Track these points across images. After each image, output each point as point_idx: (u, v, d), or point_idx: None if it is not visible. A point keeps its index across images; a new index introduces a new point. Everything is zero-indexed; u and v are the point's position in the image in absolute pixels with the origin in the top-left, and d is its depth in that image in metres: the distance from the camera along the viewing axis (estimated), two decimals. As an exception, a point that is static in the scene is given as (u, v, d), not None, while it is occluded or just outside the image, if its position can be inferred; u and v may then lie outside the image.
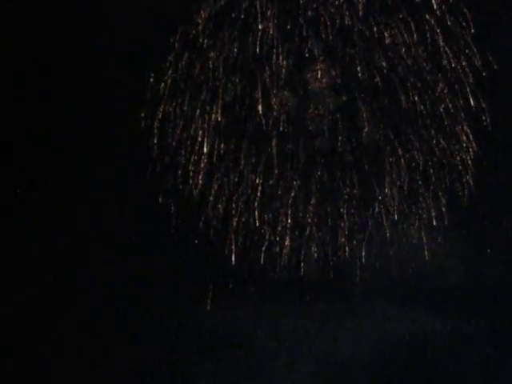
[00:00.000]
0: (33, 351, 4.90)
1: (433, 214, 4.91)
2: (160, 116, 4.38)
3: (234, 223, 4.39)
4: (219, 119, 4.33)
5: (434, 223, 4.92)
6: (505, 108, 4.69)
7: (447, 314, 5.51)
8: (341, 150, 4.55)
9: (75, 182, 4.78)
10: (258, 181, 4.40)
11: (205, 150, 4.32)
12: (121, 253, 4.76)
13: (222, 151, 4.34)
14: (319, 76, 4.49)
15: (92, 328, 4.86)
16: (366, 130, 4.60)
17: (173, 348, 5.07)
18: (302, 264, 4.80)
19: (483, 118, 4.47)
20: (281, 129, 4.46)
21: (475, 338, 5.45)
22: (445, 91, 4.41)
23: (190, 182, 4.35)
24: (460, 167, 4.65)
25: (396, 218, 4.84)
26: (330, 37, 4.42)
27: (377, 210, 4.79)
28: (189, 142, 4.38)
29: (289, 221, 4.58)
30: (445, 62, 4.41)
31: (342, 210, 4.64)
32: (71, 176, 4.88)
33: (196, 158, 4.34)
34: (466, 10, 4.33)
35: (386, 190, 4.70)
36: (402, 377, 5.42)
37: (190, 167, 4.38)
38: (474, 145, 4.59)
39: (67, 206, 4.87)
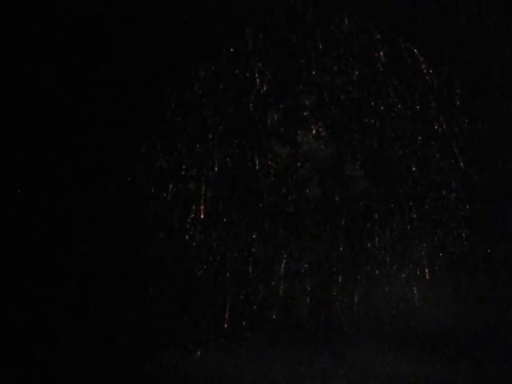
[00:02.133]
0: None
1: (424, 263, 5.03)
2: (155, 171, 4.50)
3: (228, 275, 4.51)
4: (214, 177, 4.45)
5: (426, 273, 5.03)
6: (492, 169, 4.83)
7: (435, 359, 5.63)
8: (330, 200, 4.68)
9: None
10: (250, 236, 4.52)
11: (201, 205, 4.44)
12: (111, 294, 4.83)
13: (218, 207, 4.46)
14: (310, 131, 4.63)
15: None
16: (357, 182, 4.73)
17: None
18: (294, 313, 4.91)
19: (472, 176, 4.60)
20: (272, 180, 4.60)
21: (463, 381, 5.57)
22: (435, 153, 4.54)
23: (186, 237, 4.47)
24: (452, 224, 4.76)
25: (387, 267, 4.96)
26: (325, 97, 4.56)
27: (368, 260, 4.92)
28: (184, 197, 4.50)
29: (282, 271, 4.70)
30: (436, 126, 4.55)
31: (333, 260, 4.76)
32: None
33: (192, 213, 4.46)
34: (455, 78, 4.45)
35: (377, 242, 4.82)
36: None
37: (187, 222, 4.50)
38: (464, 201, 4.70)
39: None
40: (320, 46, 4.51)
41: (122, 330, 4.89)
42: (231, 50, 4.44)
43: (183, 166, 4.44)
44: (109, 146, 4.83)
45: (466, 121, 4.49)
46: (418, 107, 4.45)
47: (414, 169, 4.53)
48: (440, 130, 4.41)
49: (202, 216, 4.59)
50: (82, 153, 4.89)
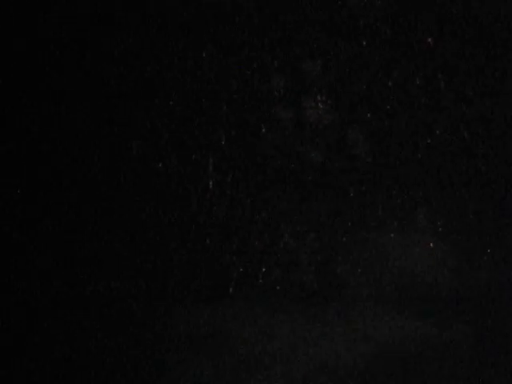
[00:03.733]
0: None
1: (426, 226, 5.12)
2: (157, 141, 4.55)
3: (233, 238, 4.59)
4: (218, 144, 4.50)
5: (428, 236, 5.12)
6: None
7: (437, 321, 5.75)
8: (334, 165, 4.74)
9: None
10: (255, 200, 4.60)
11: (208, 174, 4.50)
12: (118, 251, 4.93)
13: (224, 174, 4.53)
14: (315, 97, 4.66)
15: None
16: (361, 148, 4.78)
17: (162, 348, 5.25)
18: (296, 274, 5.02)
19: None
20: (276, 146, 4.66)
21: (464, 346, 5.70)
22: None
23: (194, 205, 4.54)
24: (455, 187, 4.82)
25: (389, 230, 5.05)
26: (331, 64, 4.57)
27: (371, 224, 5.00)
28: (190, 168, 4.55)
29: (285, 233, 4.79)
30: (442, 93, 4.57)
31: (336, 224, 4.84)
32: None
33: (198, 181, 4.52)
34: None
35: (380, 206, 4.89)
36: (391, 381, 5.66)
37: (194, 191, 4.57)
38: (467, 164, 4.75)
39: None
40: (325, 13, 4.50)
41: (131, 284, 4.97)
42: (234, 18, 4.43)
43: (186, 136, 4.48)
44: (107, 110, 4.86)
45: (474, 88, 4.50)
46: (425, 74, 4.46)
47: (418, 135, 4.57)
48: (446, 97, 4.42)
49: (210, 184, 4.65)
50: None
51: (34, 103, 5.06)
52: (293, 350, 5.64)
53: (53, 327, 5.02)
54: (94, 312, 5.00)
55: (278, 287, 5.32)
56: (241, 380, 5.66)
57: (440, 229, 5.50)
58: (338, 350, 5.79)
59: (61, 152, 4.94)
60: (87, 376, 4.99)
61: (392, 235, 5.46)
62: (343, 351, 5.80)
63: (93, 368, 5.00)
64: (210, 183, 4.65)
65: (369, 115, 4.97)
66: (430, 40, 4.75)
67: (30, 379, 4.99)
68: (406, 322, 5.94)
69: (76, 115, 4.89)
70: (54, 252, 5.00)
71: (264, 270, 5.24)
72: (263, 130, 4.80)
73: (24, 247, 4.98)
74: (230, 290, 5.23)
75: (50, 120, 4.98)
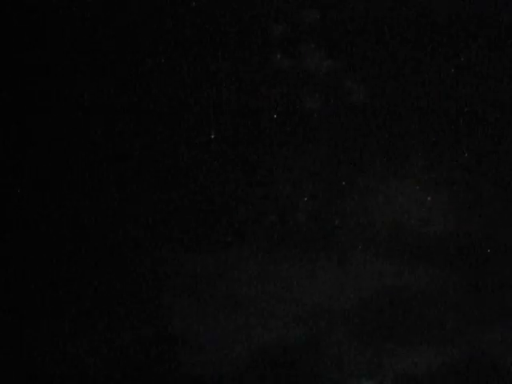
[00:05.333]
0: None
1: (423, 174, 5.17)
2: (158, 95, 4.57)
3: (232, 184, 4.66)
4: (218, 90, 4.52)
5: (425, 182, 5.19)
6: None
7: (431, 267, 5.84)
8: (331, 112, 4.79)
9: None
10: (253, 146, 4.66)
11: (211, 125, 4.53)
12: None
13: (225, 121, 4.57)
14: (313, 44, 4.67)
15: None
16: (358, 95, 4.82)
17: (157, 289, 5.33)
18: (293, 219, 5.12)
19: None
20: (274, 92, 4.69)
21: (457, 291, 5.77)
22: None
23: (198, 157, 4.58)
24: (453, 136, 4.86)
25: (385, 177, 5.11)
26: (328, 12, 4.56)
27: (368, 170, 5.05)
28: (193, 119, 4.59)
29: (282, 178, 4.86)
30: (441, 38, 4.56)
31: (333, 169, 4.90)
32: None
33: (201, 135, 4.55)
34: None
35: (376, 152, 4.94)
36: (385, 327, 5.78)
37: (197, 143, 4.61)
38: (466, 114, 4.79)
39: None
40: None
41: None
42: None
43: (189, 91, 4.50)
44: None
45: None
46: (419, 23, 4.46)
47: (414, 83, 4.60)
48: (441, 45, 4.43)
49: (212, 136, 4.69)
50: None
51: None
52: (288, 293, 5.75)
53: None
54: (103, 255, 5.07)
55: (275, 233, 5.42)
56: (238, 320, 5.79)
57: (434, 179, 5.54)
58: (331, 294, 5.90)
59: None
60: (98, 310, 5.10)
61: (387, 184, 5.52)
62: (336, 295, 5.91)
63: (104, 305, 5.11)
64: (212, 133, 4.70)
65: (365, 63, 4.98)
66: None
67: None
68: (397, 269, 6.03)
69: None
70: (73, 200, 5.04)
71: (261, 216, 5.32)
72: (262, 78, 4.82)
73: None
74: (229, 236, 5.31)
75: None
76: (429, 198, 5.45)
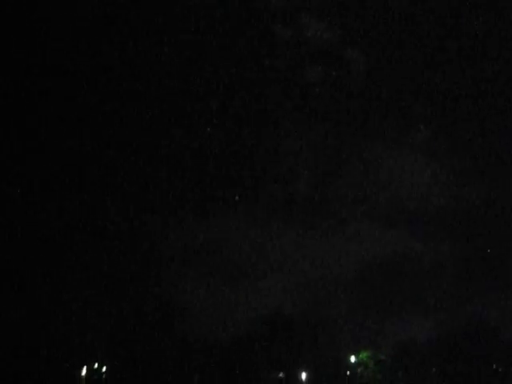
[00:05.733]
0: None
1: (424, 145, 5.26)
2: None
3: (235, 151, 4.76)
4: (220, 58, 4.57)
5: (424, 151, 5.29)
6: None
7: (431, 236, 6.04)
8: (333, 80, 4.83)
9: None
10: (256, 114, 4.72)
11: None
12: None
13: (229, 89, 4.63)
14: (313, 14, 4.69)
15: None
16: (359, 64, 4.84)
17: (163, 258, 5.59)
18: (294, 187, 5.23)
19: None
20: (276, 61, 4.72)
21: (456, 261, 5.98)
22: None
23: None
24: (455, 105, 4.93)
25: (387, 147, 5.19)
26: None
27: (368, 140, 5.14)
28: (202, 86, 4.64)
29: (284, 148, 4.95)
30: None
31: (334, 138, 4.99)
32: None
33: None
34: None
35: (376, 122, 5.02)
36: (385, 295, 5.95)
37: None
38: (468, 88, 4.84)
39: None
40: None
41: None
42: None
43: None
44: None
45: None
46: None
47: (417, 52, 4.62)
48: (446, 12, 4.44)
49: (214, 106, 4.77)
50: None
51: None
52: (288, 259, 5.95)
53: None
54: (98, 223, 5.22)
55: (276, 201, 5.55)
56: (238, 286, 6.01)
57: (436, 148, 5.66)
58: (332, 261, 6.12)
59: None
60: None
61: (388, 152, 5.59)
62: (336, 262, 6.12)
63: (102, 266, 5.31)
64: (214, 105, 4.72)
65: (367, 33, 5.00)
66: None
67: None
68: (396, 238, 6.25)
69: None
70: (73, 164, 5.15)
71: (264, 184, 5.45)
72: (263, 48, 4.81)
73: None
74: (230, 202, 5.48)
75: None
76: (431, 169, 5.54)
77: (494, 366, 46.71)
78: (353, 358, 46.86)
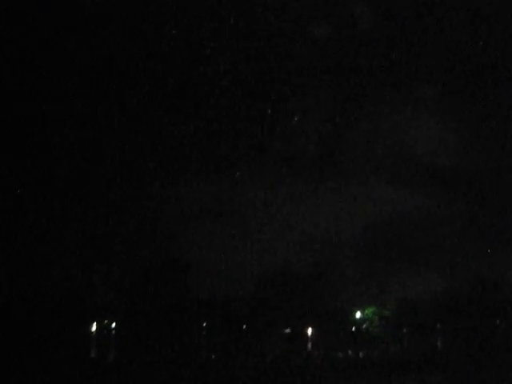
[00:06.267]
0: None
1: (430, 102, 5.29)
2: None
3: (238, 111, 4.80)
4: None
5: (431, 110, 5.31)
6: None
7: (435, 194, 6.09)
8: (338, 40, 4.83)
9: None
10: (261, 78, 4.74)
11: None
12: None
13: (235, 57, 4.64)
14: None
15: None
16: (364, 21, 4.82)
17: (170, 218, 5.69)
18: (299, 144, 5.28)
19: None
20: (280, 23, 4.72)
21: (460, 218, 6.04)
22: None
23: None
24: (462, 64, 4.93)
25: (392, 104, 5.22)
26: None
27: (374, 98, 5.16)
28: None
29: (290, 107, 4.99)
30: None
31: (339, 97, 5.01)
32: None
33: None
34: None
35: (384, 79, 5.02)
36: (389, 252, 6.04)
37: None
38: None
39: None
40: None
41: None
42: None
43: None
44: None
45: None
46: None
47: (426, 9, 4.61)
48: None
49: (221, 67, 4.78)
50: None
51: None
52: (295, 216, 6.02)
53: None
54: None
55: (283, 158, 5.59)
56: (245, 243, 6.11)
57: (443, 108, 5.65)
58: (338, 218, 6.18)
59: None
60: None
61: (397, 109, 5.59)
62: (343, 219, 6.18)
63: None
64: (221, 67, 4.73)
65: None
66: None
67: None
68: (402, 196, 6.29)
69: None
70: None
71: (271, 141, 5.47)
72: (270, 4, 4.78)
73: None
74: (235, 161, 5.52)
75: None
76: (441, 125, 5.55)
77: (497, 322, 47.31)
78: (358, 314, 47.51)
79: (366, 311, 47.63)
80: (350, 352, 22.79)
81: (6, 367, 16.82)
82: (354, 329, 46.98)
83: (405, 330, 47.57)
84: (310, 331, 45.61)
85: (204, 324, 44.49)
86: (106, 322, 45.26)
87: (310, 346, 33.25)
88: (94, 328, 44.64)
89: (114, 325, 45.29)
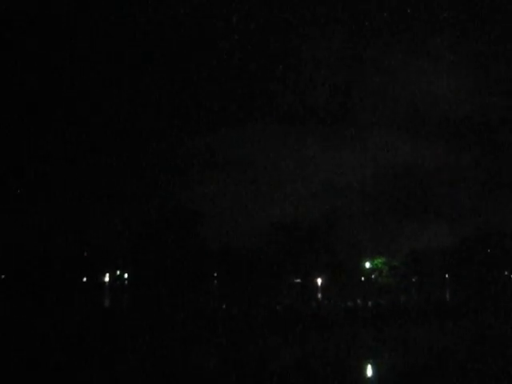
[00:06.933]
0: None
1: (446, 54, 5.24)
2: None
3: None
4: None
5: (446, 58, 5.27)
6: None
7: (448, 146, 6.07)
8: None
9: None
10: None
11: None
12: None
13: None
14: None
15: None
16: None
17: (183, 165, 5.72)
18: (312, 97, 5.28)
19: None
20: None
21: (471, 170, 6.03)
22: None
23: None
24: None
25: (407, 53, 5.18)
26: None
27: (389, 47, 5.12)
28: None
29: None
30: None
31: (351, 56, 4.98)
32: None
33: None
34: None
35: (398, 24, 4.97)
36: (400, 203, 6.05)
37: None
38: None
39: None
40: None
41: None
42: None
43: None
44: None
45: None
46: None
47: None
48: None
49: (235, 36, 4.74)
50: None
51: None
52: (306, 168, 6.03)
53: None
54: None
55: (296, 110, 5.55)
56: (257, 195, 6.14)
57: (456, 58, 5.57)
58: (350, 169, 6.19)
59: None
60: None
61: (409, 60, 5.51)
62: (354, 170, 6.19)
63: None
64: (234, 19, 4.66)
65: None
66: None
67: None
68: (417, 146, 6.26)
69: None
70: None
71: (283, 93, 5.45)
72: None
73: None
74: (248, 112, 5.51)
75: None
76: (453, 76, 5.50)
77: (506, 273, 47.60)
78: (367, 264, 47.94)
79: (376, 261, 48.04)
80: (358, 301, 23.20)
81: (22, 316, 17.28)
82: (363, 279, 47.48)
83: (414, 280, 48.03)
84: (319, 281, 46.15)
85: (215, 274, 45.07)
86: (118, 272, 45.95)
87: (319, 295, 33.76)
88: (106, 278, 45.38)
89: (126, 275, 46.00)
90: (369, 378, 11.94)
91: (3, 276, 37.11)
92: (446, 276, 48.22)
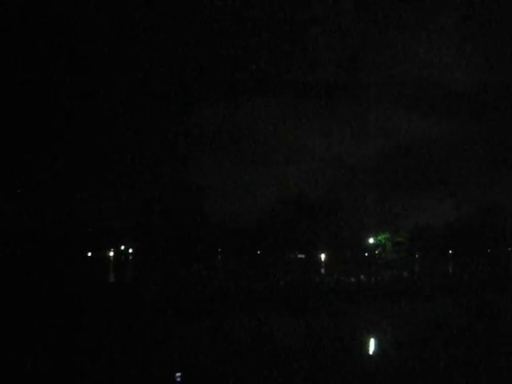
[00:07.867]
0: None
1: (452, 29, 5.17)
2: None
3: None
4: None
5: (454, 35, 5.20)
6: None
7: (453, 121, 6.02)
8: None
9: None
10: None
11: None
12: None
13: None
14: None
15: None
16: None
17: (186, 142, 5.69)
18: (319, 69, 5.23)
19: None
20: None
21: (477, 145, 5.99)
22: None
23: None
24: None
25: (414, 28, 5.12)
26: None
27: (395, 25, 5.06)
28: None
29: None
30: None
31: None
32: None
33: None
34: None
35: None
36: (404, 179, 6.01)
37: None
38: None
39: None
40: None
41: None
42: None
43: None
44: None
45: None
46: None
47: None
48: None
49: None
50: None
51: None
52: (311, 144, 5.99)
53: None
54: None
55: (301, 86, 5.50)
56: (261, 171, 6.14)
57: (463, 34, 5.50)
58: (354, 146, 6.15)
59: None
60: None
61: (416, 37, 5.45)
62: (359, 147, 6.15)
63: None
64: (243, 10, 4.59)
65: None
66: None
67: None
68: (423, 122, 6.22)
69: None
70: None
71: (289, 69, 5.39)
72: None
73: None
74: (251, 86, 5.47)
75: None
76: (459, 53, 5.44)
77: (510, 249, 47.63)
78: (371, 240, 48.04)
79: (379, 237, 48.13)
80: (362, 277, 23.24)
81: (29, 289, 17.44)
82: (366, 254, 47.63)
83: (417, 256, 48.16)
84: (323, 257, 46.32)
85: (219, 249, 45.27)
86: (122, 248, 46.17)
87: (323, 271, 33.88)
88: (111, 253, 45.62)
89: (130, 250, 46.23)
90: (371, 353, 12.03)
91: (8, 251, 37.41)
92: (450, 252, 48.32)
